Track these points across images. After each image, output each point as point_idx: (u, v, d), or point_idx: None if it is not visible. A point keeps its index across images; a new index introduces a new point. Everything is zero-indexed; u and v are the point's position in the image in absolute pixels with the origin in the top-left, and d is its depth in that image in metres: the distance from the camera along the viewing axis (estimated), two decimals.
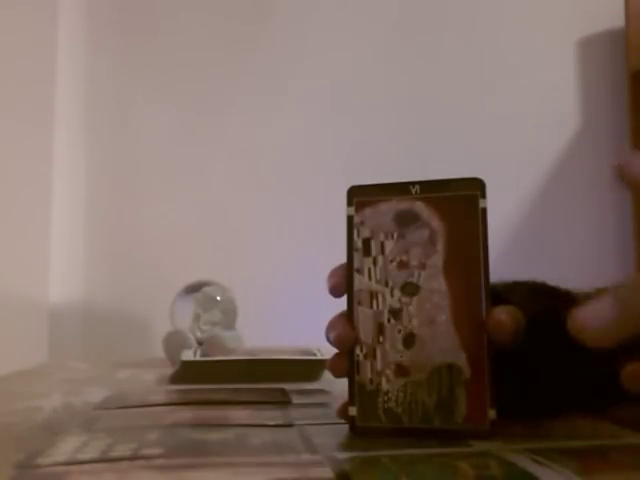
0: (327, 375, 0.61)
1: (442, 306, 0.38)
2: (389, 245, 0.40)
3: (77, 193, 1.29)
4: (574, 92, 1.40)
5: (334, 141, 1.33)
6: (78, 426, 0.44)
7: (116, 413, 0.50)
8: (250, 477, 0.31)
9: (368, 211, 0.41)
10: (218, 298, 0.92)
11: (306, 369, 0.70)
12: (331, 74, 1.35)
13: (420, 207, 0.40)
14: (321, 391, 0.62)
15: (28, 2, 1.12)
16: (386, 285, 0.40)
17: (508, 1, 1.40)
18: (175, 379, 0.70)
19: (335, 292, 0.41)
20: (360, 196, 0.41)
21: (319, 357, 0.71)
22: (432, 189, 0.40)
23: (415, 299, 0.39)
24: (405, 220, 0.40)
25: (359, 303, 0.40)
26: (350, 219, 0.41)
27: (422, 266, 0.39)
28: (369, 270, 0.40)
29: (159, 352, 0.91)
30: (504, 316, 0.37)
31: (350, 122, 1.34)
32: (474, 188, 0.39)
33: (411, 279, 0.39)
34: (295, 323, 1.13)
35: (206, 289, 0.93)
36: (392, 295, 0.39)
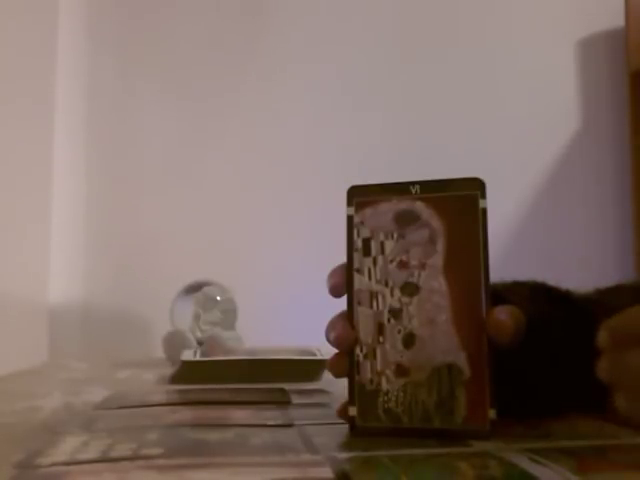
0: (327, 375, 0.61)
1: (442, 306, 0.38)
2: (389, 245, 0.40)
3: (77, 193, 1.29)
4: (574, 92, 1.40)
5: (335, 141, 1.33)
6: (78, 426, 0.44)
7: (116, 413, 0.50)
8: (250, 477, 0.31)
9: (368, 211, 0.41)
10: (218, 298, 0.92)
11: (306, 369, 0.70)
12: (333, 73, 1.35)
13: (420, 207, 0.40)
14: (321, 391, 0.62)
15: (29, 10, 1.12)
16: (386, 285, 0.40)
17: (508, 1, 1.40)
18: (175, 379, 0.70)
19: (335, 292, 0.41)
20: (360, 196, 0.41)
21: (319, 357, 0.71)
22: (432, 189, 0.40)
23: (415, 299, 0.39)
24: (405, 220, 0.40)
25: (359, 303, 0.40)
26: (350, 219, 0.41)
27: (422, 266, 0.39)
28: (369, 270, 0.40)
29: (159, 352, 0.91)
30: (504, 316, 0.37)
31: (351, 121, 1.34)
32: (474, 188, 0.39)
33: (411, 279, 0.39)
34: (295, 323, 1.13)
35: (206, 289, 0.93)
36: (392, 295, 0.39)
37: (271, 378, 0.66)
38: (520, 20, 1.39)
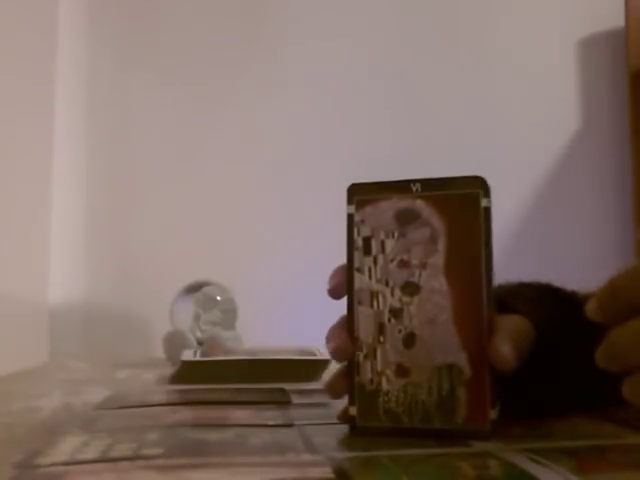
0: (327, 375, 0.61)
1: (443, 306, 0.38)
2: (390, 244, 0.40)
3: (77, 193, 1.29)
4: (574, 92, 1.40)
5: (335, 140, 1.33)
6: (78, 426, 0.44)
7: (116, 413, 0.50)
8: (250, 477, 0.31)
9: (369, 209, 0.41)
10: (218, 298, 0.92)
11: (306, 369, 0.70)
12: (332, 71, 1.35)
13: (421, 205, 0.40)
14: (321, 391, 0.62)
15: (28, 1, 1.12)
16: (387, 285, 0.39)
17: (508, 1, 1.40)
18: (175, 379, 0.70)
19: (335, 294, 0.41)
20: (360, 194, 0.41)
21: (319, 357, 0.71)
22: (433, 187, 0.40)
23: (416, 299, 0.39)
24: (406, 218, 0.40)
25: (359, 303, 0.40)
26: (350, 217, 0.41)
27: (423, 265, 0.39)
28: (369, 269, 0.40)
29: (159, 352, 0.91)
30: (506, 349, 0.36)
31: (351, 120, 1.34)
32: (476, 186, 0.39)
33: (412, 279, 0.39)
34: (295, 323, 1.13)
35: (206, 289, 0.93)
36: (393, 295, 0.39)
37: (271, 378, 0.66)
38: (520, 20, 1.39)
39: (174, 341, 0.88)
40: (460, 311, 0.38)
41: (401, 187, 0.40)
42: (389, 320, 0.39)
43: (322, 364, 0.69)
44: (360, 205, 0.41)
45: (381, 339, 0.39)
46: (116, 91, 1.31)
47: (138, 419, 0.47)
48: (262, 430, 0.42)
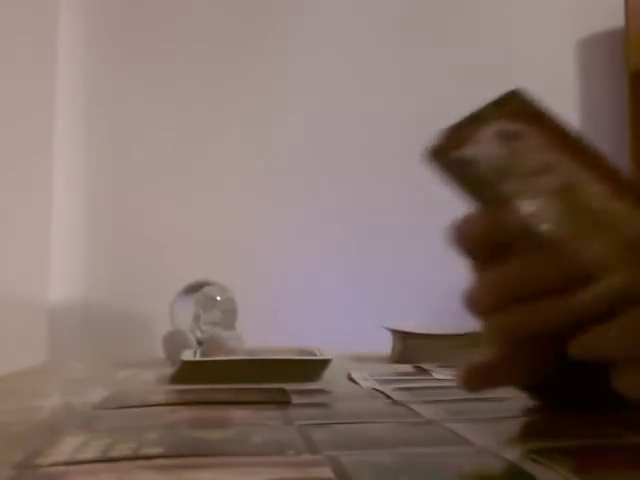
0: (327, 375, 0.61)
1: (599, 185, 0.37)
2: (519, 163, 0.38)
3: (77, 192, 1.29)
4: (574, 92, 1.40)
5: (335, 140, 1.33)
6: (78, 426, 0.44)
7: (116, 413, 0.50)
8: (250, 477, 0.31)
9: (471, 147, 0.39)
10: (218, 298, 0.93)
11: (306, 369, 0.70)
12: (334, 71, 1.35)
13: (508, 124, 0.39)
14: (321, 391, 0.62)
15: (29, 2, 1.12)
16: (540, 197, 0.37)
17: (508, 1, 1.40)
18: (175, 379, 0.70)
19: (492, 236, 0.38)
20: (454, 139, 0.39)
21: (319, 357, 0.71)
22: (498, 108, 0.40)
23: (572, 192, 0.37)
24: (507, 138, 0.39)
25: (537, 225, 0.37)
26: (459, 161, 0.39)
27: (555, 163, 0.38)
28: (520, 195, 0.38)
29: (159, 352, 0.91)
30: None
31: (350, 124, 1.34)
32: (520, 95, 0.40)
33: (558, 179, 0.37)
34: (296, 323, 1.13)
35: (206, 289, 0.93)
36: (555, 199, 0.37)
37: (271, 378, 0.66)
38: (520, 20, 1.39)
39: (174, 341, 0.88)
40: (611, 183, 0.37)
41: (479, 117, 0.39)
42: (573, 218, 0.37)
43: (322, 364, 0.69)
44: (461, 146, 0.39)
45: (591, 233, 0.36)
46: (116, 94, 1.31)
47: (138, 419, 0.47)
48: (263, 429, 0.41)
